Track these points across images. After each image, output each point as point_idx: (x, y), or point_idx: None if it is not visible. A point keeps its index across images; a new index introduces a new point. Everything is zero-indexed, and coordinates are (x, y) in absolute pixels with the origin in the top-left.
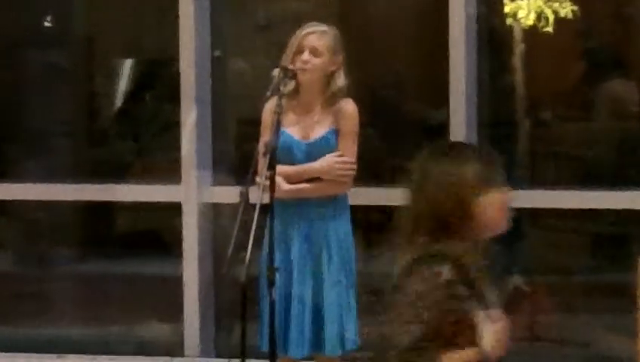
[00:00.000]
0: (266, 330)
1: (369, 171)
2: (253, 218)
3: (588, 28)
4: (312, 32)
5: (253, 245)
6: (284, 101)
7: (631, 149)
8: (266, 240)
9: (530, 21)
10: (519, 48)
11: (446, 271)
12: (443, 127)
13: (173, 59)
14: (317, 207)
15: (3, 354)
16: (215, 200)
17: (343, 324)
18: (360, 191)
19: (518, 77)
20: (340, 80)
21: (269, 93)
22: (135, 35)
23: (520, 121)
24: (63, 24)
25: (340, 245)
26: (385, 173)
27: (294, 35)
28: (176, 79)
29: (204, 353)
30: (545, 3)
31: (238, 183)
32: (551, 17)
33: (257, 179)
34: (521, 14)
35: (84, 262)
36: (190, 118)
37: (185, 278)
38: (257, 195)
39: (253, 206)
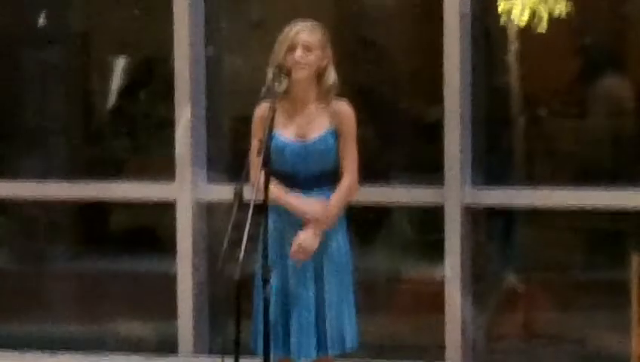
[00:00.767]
0: (258, 332)
1: (364, 170)
2: (247, 216)
3: (582, 26)
4: (303, 29)
5: (248, 243)
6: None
7: (626, 147)
8: (261, 239)
9: (525, 19)
10: (513, 46)
11: None
12: (438, 125)
13: (167, 57)
14: None
15: None
16: (209, 198)
17: (343, 324)
18: None
19: (513, 75)
20: (332, 75)
21: (264, 91)
22: (130, 33)
23: (515, 118)
24: (58, 22)
25: (337, 243)
26: (380, 171)
27: (284, 33)
28: (170, 77)
29: (198, 350)
30: (539, 1)
31: (232, 181)
32: (545, 16)
33: (252, 177)
34: (515, 12)
35: (78, 259)
36: (184, 116)
37: (179, 276)
38: (251, 193)
39: (248, 204)
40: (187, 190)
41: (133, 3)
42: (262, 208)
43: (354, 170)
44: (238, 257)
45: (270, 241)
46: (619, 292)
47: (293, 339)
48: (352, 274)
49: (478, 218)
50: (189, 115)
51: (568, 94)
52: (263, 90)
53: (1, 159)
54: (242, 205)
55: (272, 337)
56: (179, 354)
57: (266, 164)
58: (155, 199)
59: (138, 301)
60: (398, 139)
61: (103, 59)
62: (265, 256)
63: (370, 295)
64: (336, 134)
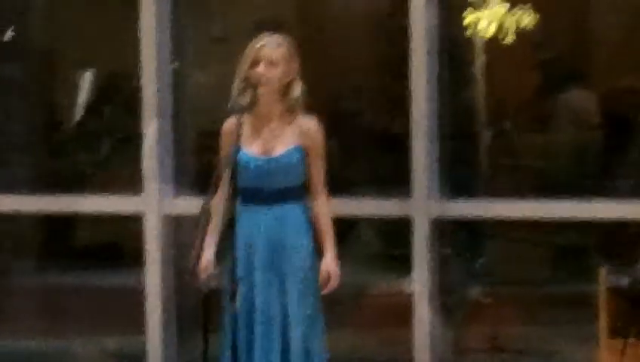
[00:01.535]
0: (227, 347)
1: (331, 182)
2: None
3: (547, 40)
4: (267, 44)
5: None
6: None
7: (590, 160)
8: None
9: (491, 32)
10: (480, 59)
11: None
12: (405, 138)
13: (133, 72)
14: (279, 219)
15: None
16: (177, 212)
17: (309, 340)
18: None
19: (479, 88)
20: (297, 89)
21: (230, 106)
22: (95, 48)
23: (481, 131)
24: (23, 37)
25: (302, 258)
26: (347, 183)
27: (249, 47)
28: (137, 91)
29: None
30: (505, 14)
31: (199, 195)
32: (512, 28)
33: (219, 191)
34: (481, 25)
35: (46, 273)
36: (151, 130)
37: (147, 290)
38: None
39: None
40: (154, 204)
41: (100, 18)
42: (230, 222)
43: (324, 187)
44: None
45: (239, 255)
46: (586, 305)
47: (257, 354)
48: (318, 290)
49: (446, 230)
50: (156, 129)
51: (533, 107)
52: (229, 104)
53: None
54: (209, 219)
55: (239, 353)
56: None
57: (232, 178)
58: (123, 213)
59: (105, 315)
60: (366, 151)
61: (70, 73)
62: (233, 270)
63: (338, 309)
64: (303, 150)
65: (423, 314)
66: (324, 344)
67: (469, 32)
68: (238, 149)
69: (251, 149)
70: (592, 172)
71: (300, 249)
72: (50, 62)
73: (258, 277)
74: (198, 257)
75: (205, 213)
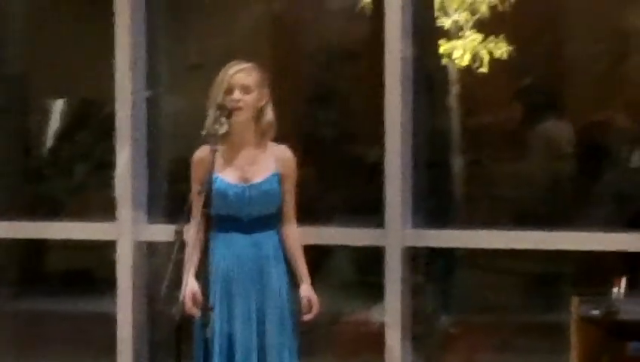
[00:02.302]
0: None
1: (304, 210)
2: (186, 257)
3: (522, 69)
4: (240, 70)
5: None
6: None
7: (565, 190)
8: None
9: (466, 61)
10: (455, 88)
11: None
12: (378, 167)
13: (107, 98)
14: (257, 246)
15: None
16: (150, 239)
17: None
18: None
19: (454, 117)
20: (269, 114)
21: (205, 134)
22: (69, 74)
23: (455, 161)
24: None
25: (278, 287)
26: (320, 212)
27: (220, 75)
28: (110, 118)
29: None
30: (480, 43)
31: (172, 222)
32: (486, 58)
33: (192, 219)
34: (456, 55)
35: (17, 299)
36: (124, 156)
37: (119, 317)
38: (192, 234)
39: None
40: (127, 230)
41: (74, 44)
42: (204, 251)
43: (294, 215)
44: (179, 298)
45: (215, 283)
46: (558, 334)
47: None
48: (294, 318)
49: (419, 260)
50: (129, 156)
51: (508, 137)
52: (204, 132)
53: None
54: (183, 246)
55: None
56: None
57: (206, 206)
58: (96, 239)
59: (78, 341)
60: (339, 180)
61: (43, 100)
62: (206, 297)
63: (311, 337)
64: (280, 177)
65: (394, 343)
66: None
67: (443, 61)
68: (212, 177)
69: (228, 177)
70: (566, 202)
71: (278, 276)
72: (23, 89)
73: (237, 306)
74: (171, 285)
75: (179, 238)
